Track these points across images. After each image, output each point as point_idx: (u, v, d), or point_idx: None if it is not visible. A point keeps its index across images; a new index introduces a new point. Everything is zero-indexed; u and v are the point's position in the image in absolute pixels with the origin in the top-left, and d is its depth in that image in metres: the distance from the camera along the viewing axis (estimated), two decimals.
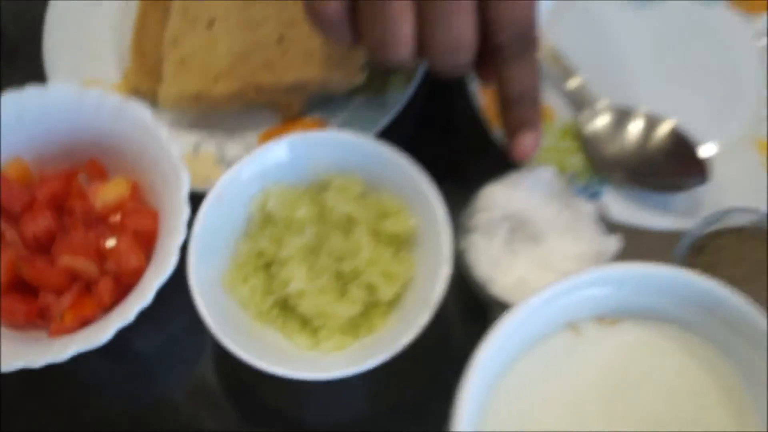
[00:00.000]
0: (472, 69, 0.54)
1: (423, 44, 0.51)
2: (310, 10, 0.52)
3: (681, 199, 0.60)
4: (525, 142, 0.56)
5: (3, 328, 0.50)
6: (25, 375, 0.49)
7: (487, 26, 0.52)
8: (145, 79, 0.60)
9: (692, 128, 0.61)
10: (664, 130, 0.61)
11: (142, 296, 0.46)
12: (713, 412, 0.50)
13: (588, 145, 0.61)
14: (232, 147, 0.58)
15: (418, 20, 0.50)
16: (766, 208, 0.59)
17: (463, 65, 0.53)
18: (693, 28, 0.68)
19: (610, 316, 0.51)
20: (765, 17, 0.67)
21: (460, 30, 0.51)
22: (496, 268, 0.53)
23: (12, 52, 0.67)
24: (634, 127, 0.61)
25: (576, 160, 0.62)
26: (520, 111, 0.56)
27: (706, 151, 0.61)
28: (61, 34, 0.63)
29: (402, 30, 0.50)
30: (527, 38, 0.53)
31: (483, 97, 0.62)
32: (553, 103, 0.64)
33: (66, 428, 0.55)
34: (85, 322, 0.49)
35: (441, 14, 0.50)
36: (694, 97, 0.64)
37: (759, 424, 0.49)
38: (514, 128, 0.56)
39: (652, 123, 0.61)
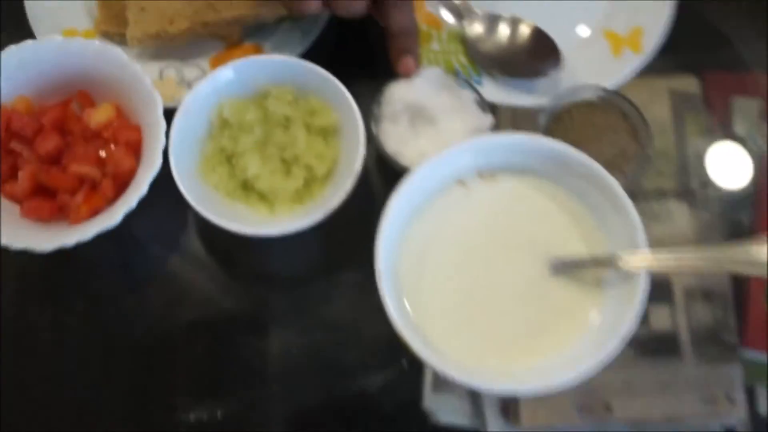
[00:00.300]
0: (366, 13, 0.65)
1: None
2: None
3: (543, 82, 0.71)
4: (407, 63, 0.68)
5: (33, 223, 0.62)
6: (47, 261, 0.61)
7: None
8: (111, 24, 0.70)
9: (552, 25, 0.72)
10: (525, 29, 0.72)
11: (139, 189, 0.59)
12: (569, 235, 0.62)
13: (469, 46, 0.73)
14: (189, 71, 0.70)
15: None
16: (608, 85, 0.70)
17: (358, 11, 0.64)
18: None
19: (489, 173, 0.63)
20: None
21: None
22: (404, 145, 0.65)
23: None
24: (503, 29, 0.72)
25: (461, 59, 0.74)
26: (402, 41, 0.68)
27: (560, 42, 0.71)
28: None
29: None
30: None
31: None
32: (441, 15, 0.75)
33: (88, 302, 0.67)
34: (96, 212, 0.61)
35: None
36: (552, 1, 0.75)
37: (603, 242, 0.61)
38: (398, 53, 0.68)
39: (516, 24, 0.72)
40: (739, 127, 0.76)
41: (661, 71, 0.76)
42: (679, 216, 0.73)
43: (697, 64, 0.77)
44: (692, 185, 0.75)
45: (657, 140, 0.73)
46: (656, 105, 0.76)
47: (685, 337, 0.70)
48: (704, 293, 0.71)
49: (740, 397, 0.67)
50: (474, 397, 0.66)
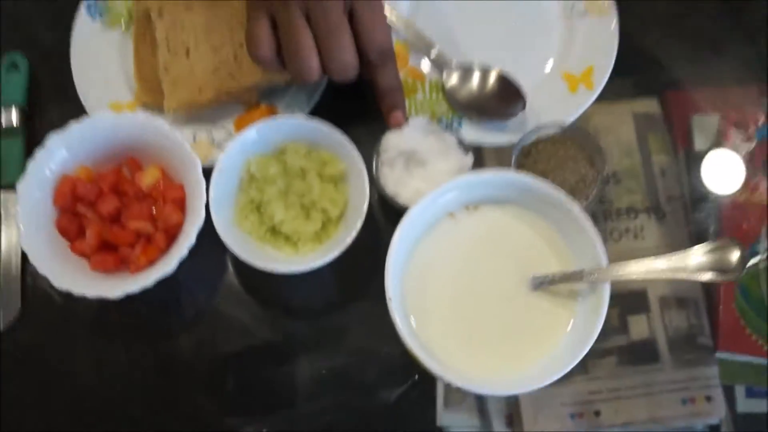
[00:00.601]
0: (357, 76, 0.73)
1: (325, 68, 0.71)
2: (250, 52, 0.73)
3: (512, 122, 0.80)
4: (397, 117, 0.77)
5: (100, 274, 0.73)
6: (109, 306, 0.71)
7: (361, 50, 0.72)
8: (149, 96, 0.81)
9: (519, 71, 0.80)
10: (493, 76, 0.80)
11: (188, 239, 0.70)
12: (544, 255, 0.71)
13: (448, 95, 0.82)
14: (218, 133, 0.81)
15: (321, 55, 0.70)
16: (569, 118, 0.80)
17: (351, 76, 0.73)
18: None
19: (473, 205, 0.72)
20: None
21: (346, 58, 0.71)
22: (401, 186, 0.75)
23: (45, 89, 0.86)
24: (475, 78, 0.81)
25: (442, 106, 0.83)
26: (390, 98, 0.78)
27: (525, 86, 0.79)
28: (84, 77, 0.82)
29: (311, 63, 0.70)
30: (387, 53, 0.75)
31: None
32: (423, 68, 0.84)
33: (145, 337, 0.77)
34: (152, 262, 0.72)
35: (333, 50, 0.70)
36: (517, 50, 0.84)
37: (572, 260, 0.70)
38: (388, 109, 0.77)
39: (485, 73, 0.81)
40: (699, 142, 0.84)
41: (624, 96, 0.84)
42: (650, 230, 0.81)
43: (657, 86, 0.86)
44: (660, 200, 0.82)
45: (624, 160, 0.83)
46: (622, 127, 0.84)
47: (662, 343, 0.77)
48: (678, 301, 0.78)
49: (718, 396, 0.75)
50: (481, 410, 0.75)
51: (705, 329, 0.77)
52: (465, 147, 0.78)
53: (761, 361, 0.77)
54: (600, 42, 0.84)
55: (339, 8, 0.70)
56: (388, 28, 0.74)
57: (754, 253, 0.80)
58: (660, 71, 0.87)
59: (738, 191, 0.83)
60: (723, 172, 0.84)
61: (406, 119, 0.78)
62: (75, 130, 0.74)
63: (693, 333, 0.77)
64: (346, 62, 0.71)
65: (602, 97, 0.82)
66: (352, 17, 0.72)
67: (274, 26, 0.72)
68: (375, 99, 0.79)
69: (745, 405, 0.76)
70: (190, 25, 0.82)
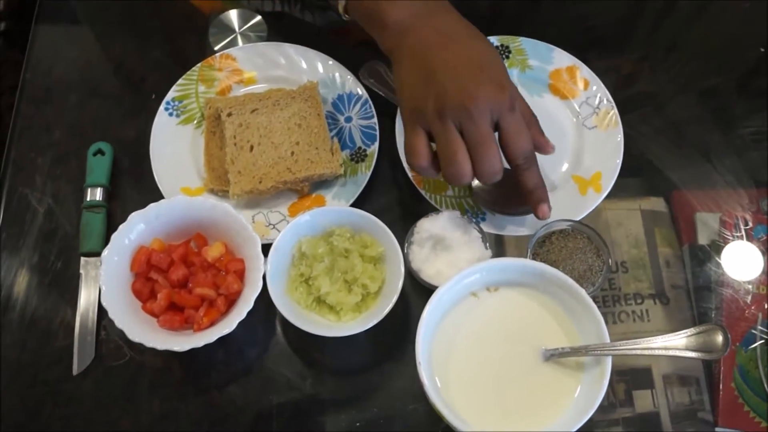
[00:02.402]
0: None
1: (476, 173, 0.78)
2: (408, 161, 0.81)
3: (530, 217, 0.87)
4: (543, 209, 0.83)
5: (167, 331, 0.82)
6: (171, 361, 0.81)
7: (508, 156, 0.80)
8: (216, 183, 0.92)
9: None
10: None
11: (247, 304, 0.79)
12: (553, 331, 0.78)
13: (474, 194, 0.91)
14: (273, 216, 0.91)
15: (472, 162, 0.77)
16: (577, 219, 0.88)
17: (498, 179, 0.79)
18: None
19: (493, 286, 0.80)
20: (574, 102, 0.97)
21: (494, 164, 0.78)
22: (425, 264, 0.84)
23: (125, 173, 0.96)
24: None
25: (469, 201, 0.91)
26: (536, 194, 0.83)
27: None
28: (160, 164, 0.93)
29: (465, 169, 0.77)
30: (530, 157, 0.81)
31: (411, 173, 0.91)
32: None
33: (200, 388, 0.84)
34: (213, 323, 0.81)
35: (484, 158, 0.77)
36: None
37: (579, 336, 0.76)
38: (535, 204, 0.83)
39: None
40: (702, 237, 0.91)
41: (633, 194, 0.93)
42: (654, 314, 0.86)
43: (662, 186, 0.94)
44: (665, 288, 0.87)
45: (632, 251, 0.90)
46: (630, 222, 0.91)
47: (665, 416, 0.81)
48: (680, 378, 0.83)
49: None
50: None
51: (705, 405, 0.82)
52: (486, 242, 0.87)
53: None
54: (607, 152, 0.94)
55: (487, 121, 0.77)
56: (529, 136, 0.81)
57: (753, 336, 0.86)
58: (664, 175, 0.96)
59: (739, 281, 0.90)
60: (724, 264, 0.91)
61: (551, 209, 0.84)
62: (152, 208, 0.84)
63: (694, 408, 0.82)
64: (495, 168, 0.78)
65: (613, 195, 0.91)
66: (498, 127, 0.79)
67: (429, 138, 0.80)
68: (408, 191, 0.87)
69: None
70: (255, 125, 0.94)
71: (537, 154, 0.84)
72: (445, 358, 0.77)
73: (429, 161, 0.80)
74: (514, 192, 0.86)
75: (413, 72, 0.81)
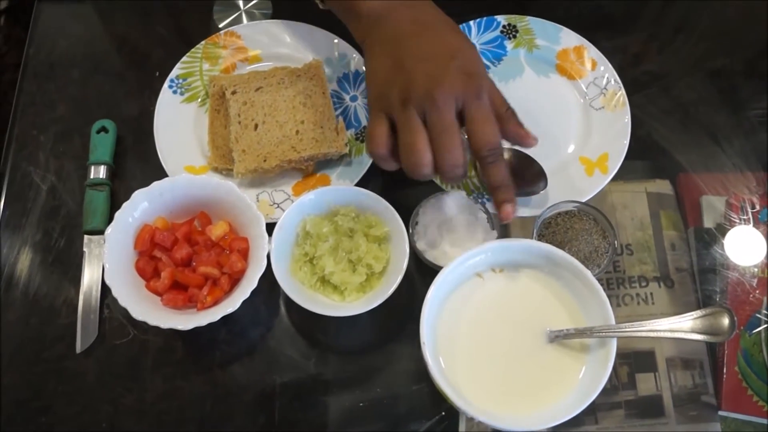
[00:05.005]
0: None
1: (436, 166, 0.76)
2: (367, 149, 0.80)
3: (535, 198, 0.88)
4: (507, 209, 0.81)
5: (170, 310, 0.81)
6: (174, 339, 0.82)
7: (473, 148, 0.77)
8: (220, 162, 0.92)
9: (543, 154, 0.87)
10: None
11: (251, 283, 0.79)
12: (559, 313, 0.78)
13: (480, 173, 0.89)
14: (278, 195, 0.91)
15: (433, 152, 0.75)
16: (583, 200, 0.87)
17: (460, 174, 0.77)
18: (539, 91, 0.97)
19: (498, 267, 0.80)
20: (581, 82, 0.97)
21: (456, 156, 0.75)
22: (430, 245, 0.84)
23: (129, 151, 0.96)
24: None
25: (475, 182, 0.91)
26: (501, 193, 0.81)
27: (548, 167, 0.87)
28: (164, 142, 0.92)
29: (425, 158, 0.75)
30: (496, 151, 0.79)
31: None
32: None
33: (203, 367, 0.85)
34: (216, 302, 0.81)
35: (444, 147, 0.75)
36: (542, 137, 0.84)
37: (583, 318, 0.77)
38: (498, 203, 0.81)
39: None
40: (707, 220, 0.91)
41: (639, 177, 0.92)
42: (659, 297, 0.87)
43: (669, 169, 0.94)
44: (669, 271, 0.88)
45: (637, 234, 0.90)
46: (636, 204, 0.91)
47: (668, 400, 0.82)
48: (684, 361, 0.83)
49: None
50: None
51: (709, 389, 0.83)
52: (492, 223, 0.87)
53: (761, 421, 0.81)
54: (614, 133, 0.94)
55: (452, 110, 0.76)
56: (496, 127, 0.78)
57: (757, 320, 0.86)
58: (671, 157, 0.96)
59: (744, 265, 0.90)
60: (730, 247, 0.91)
61: (515, 211, 0.82)
62: (156, 186, 0.84)
63: (697, 392, 0.82)
64: (456, 160, 0.76)
65: (619, 177, 0.91)
66: (463, 118, 0.77)
67: (392, 127, 0.78)
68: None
69: None
70: (259, 104, 0.94)
71: (538, 140, 0.82)
72: (449, 339, 0.77)
73: (388, 150, 0.78)
74: (519, 173, 0.86)
75: (383, 59, 0.80)
